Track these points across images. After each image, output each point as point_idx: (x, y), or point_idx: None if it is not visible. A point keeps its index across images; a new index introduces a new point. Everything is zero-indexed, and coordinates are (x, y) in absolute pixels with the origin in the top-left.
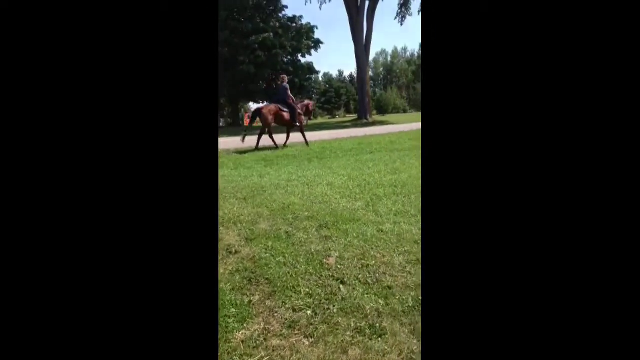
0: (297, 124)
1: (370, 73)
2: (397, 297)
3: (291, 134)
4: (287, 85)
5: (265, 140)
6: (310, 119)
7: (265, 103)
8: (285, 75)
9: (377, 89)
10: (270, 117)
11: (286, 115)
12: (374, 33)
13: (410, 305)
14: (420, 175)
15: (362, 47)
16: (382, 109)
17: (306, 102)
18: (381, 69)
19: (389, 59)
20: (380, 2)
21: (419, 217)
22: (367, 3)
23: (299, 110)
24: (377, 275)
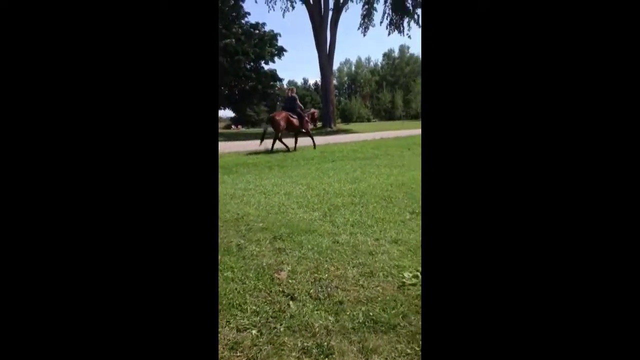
0: (304, 130)
1: (335, 82)
2: (348, 313)
3: (283, 138)
4: (296, 96)
5: (259, 143)
6: (315, 125)
7: (278, 111)
8: (294, 87)
9: (341, 98)
10: (282, 123)
11: (295, 121)
12: (338, 43)
13: (361, 321)
14: (380, 183)
15: (325, 56)
16: (347, 118)
17: (312, 110)
18: (345, 78)
19: (353, 68)
20: (343, 12)
21: (376, 228)
22: (330, 13)
23: (306, 118)
24: (329, 289)
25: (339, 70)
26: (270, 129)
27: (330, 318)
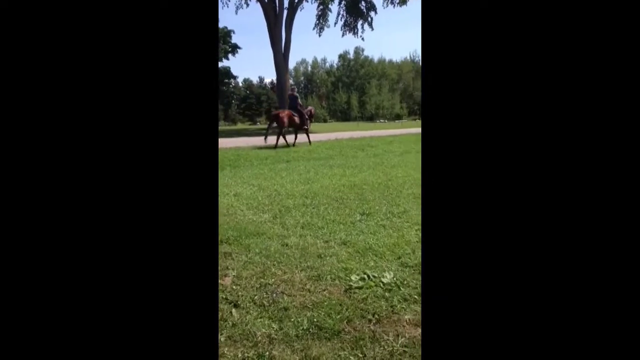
0: (305, 127)
1: (291, 81)
2: (293, 320)
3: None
4: (297, 95)
5: (264, 139)
6: (312, 122)
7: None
8: (295, 87)
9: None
10: (286, 120)
11: (297, 119)
12: (293, 42)
13: (305, 327)
14: (332, 184)
15: (281, 55)
16: None
17: (309, 108)
18: (302, 78)
19: (309, 68)
20: (298, 12)
21: (326, 230)
22: (285, 12)
23: (306, 116)
24: (275, 295)
25: (295, 70)
26: (274, 126)
27: (274, 326)
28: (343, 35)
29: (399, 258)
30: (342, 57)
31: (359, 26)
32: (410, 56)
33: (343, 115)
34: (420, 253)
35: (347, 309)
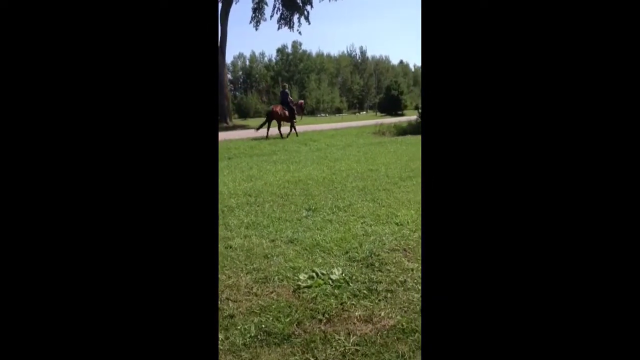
0: (294, 120)
1: (229, 76)
2: (239, 327)
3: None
4: (288, 91)
5: (257, 129)
6: (303, 114)
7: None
8: (286, 84)
9: (237, 93)
10: (280, 112)
11: (286, 113)
12: (230, 36)
13: (253, 334)
14: (276, 180)
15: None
16: (243, 113)
17: (300, 102)
18: (240, 72)
19: (248, 63)
20: (234, 5)
21: (272, 228)
22: (220, 4)
23: (295, 110)
24: (220, 301)
25: (233, 64)
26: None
27: (219, 336)
28: (279, 28)
29: (347, 253)
30: (280, 51)
31: (296, 20)
32: (347, 50)
33: None
34: (367, 246)
35: (296, 311)
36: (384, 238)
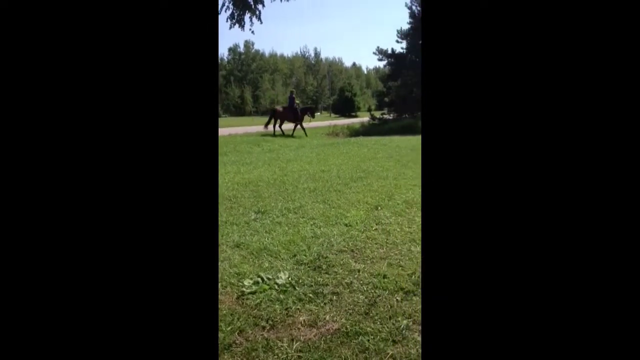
0: (298, 121)
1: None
2: None
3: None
4: (294, 97)
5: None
6: (313, 117)
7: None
8: (293, 89)
9: None
10: (282, 115)
11: (291, 115)
12: None
13: None
14: (225, 182)
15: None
16: None
17: (308, 107)
18: None
19: None
20: None
21: (218, 232)
22: None
23: (299, 113)
24: None
25: None
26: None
27: None
28: (231, 27)
29: (294, 256)
30: (233, 50)
31: (247, 19)
32: (301, 51)
33: (237, 109)
34: (315, 248)
35: (239, 318)
36: (332, 240)
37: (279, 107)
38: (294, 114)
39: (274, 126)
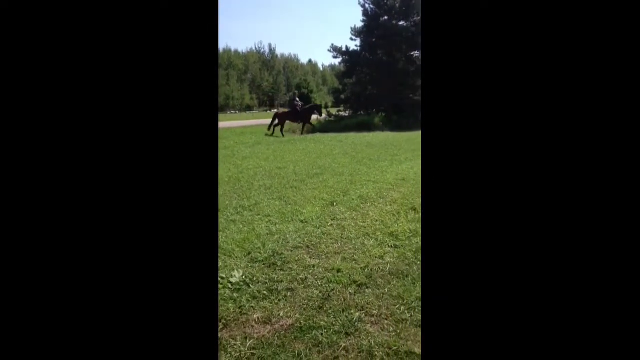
0: (301, 121)
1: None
2: None
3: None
4: (297, 99)
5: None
6: (321, 114)
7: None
8: (297, 92)
9: None
10: (283, 117)
11: (292, 117)
12: None
13: None
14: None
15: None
16: None
17: (314, 104)
18: None
19: None
20: None
21: None
22: None
23: (303, 114)
24: None
25: None
26: (276, 122)
27: None
28: None
29: (249, 254)
30: None
31: None
32: (255, 47)
33: None
34: (270, 245)
35: None
36: (288, 236)
37: (279, 111)
38: (295, 116)
39: (273, 128)
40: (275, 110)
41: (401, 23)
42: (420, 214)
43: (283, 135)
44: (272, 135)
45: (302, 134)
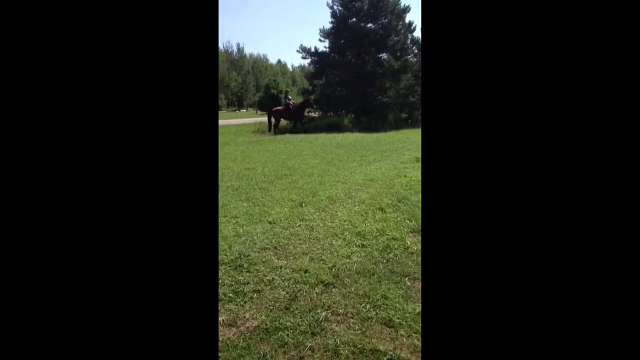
0: (294, 119)
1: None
2: None
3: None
4: (290, 97)
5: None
6: (311, 111)
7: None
8: (288, 90)
9: None
10: (277, 115)
11: (286, 114)
12: None
13: None
14: None
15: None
16: None
17: (305, 101)
18: None
19: None
20: None
21: None
22: None
23: (291, 107)
24: None
25: None
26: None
27: None
28: None
29: None
30: None
31: None
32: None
33: None
34: (237, 247)
35: None
36: (255, 237)
37: (274, 108)
38: (288, 113)
39: (274, 128)
40: (244, 110)
41: (369, 25)
42: (388, 214)
43: (275, 134)
44: (275, 134)
45: (291, 131)
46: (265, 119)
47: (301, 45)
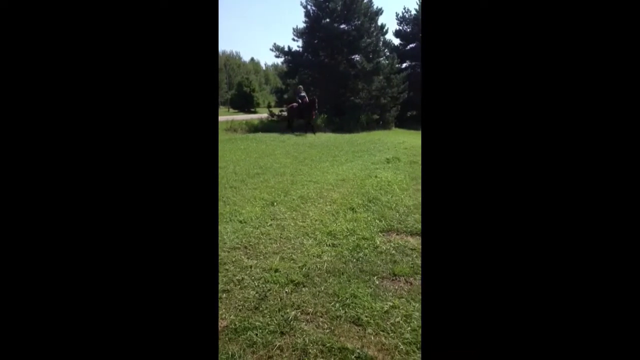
0: (304, 118)
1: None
2: None
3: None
4: (304, 94)
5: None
6: (316, 110)
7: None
8: (301, 86)
9: None
10: (293, 112)
11: (299, 111)
12: None
13: None
14: None
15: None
16: None
17: (311, 99)
18: None
19: None
20: None
21: None
22: None
23: (307, 109)
24: None
25: None
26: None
27: None
28: None
29: None
30: None
31: None
32: None
33: None
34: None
35: None
36: (225, 237)
37: (290, 105)
38: (300, 112)
39: (290, 124)
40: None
41: (342, 26)
42: (358, 214)
43: (292, 132)
44: (298, 134)
45: (306, 132)
46: (236, 117)
47: (274, 43)
